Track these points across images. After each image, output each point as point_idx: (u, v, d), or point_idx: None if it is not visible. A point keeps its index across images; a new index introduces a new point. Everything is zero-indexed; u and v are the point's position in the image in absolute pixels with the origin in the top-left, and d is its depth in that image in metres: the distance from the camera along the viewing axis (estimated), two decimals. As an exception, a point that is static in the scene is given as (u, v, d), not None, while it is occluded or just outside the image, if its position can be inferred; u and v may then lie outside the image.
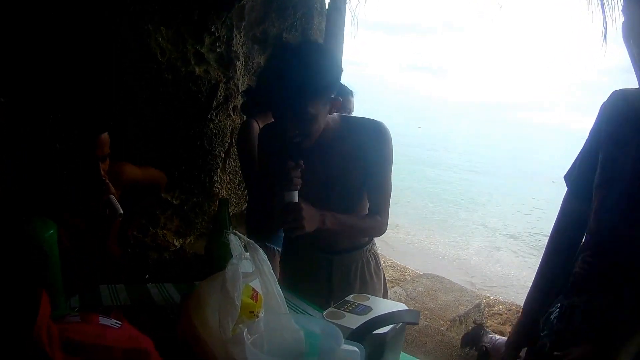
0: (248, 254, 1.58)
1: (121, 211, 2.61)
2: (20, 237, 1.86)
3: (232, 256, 1.66)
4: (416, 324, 1.92)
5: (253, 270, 1.59)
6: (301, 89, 1.98)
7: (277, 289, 1.58)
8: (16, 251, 1.87)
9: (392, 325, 1.61)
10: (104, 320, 1.50)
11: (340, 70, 2.16)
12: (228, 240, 1.86)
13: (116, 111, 3.83)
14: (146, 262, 3.54)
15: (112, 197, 2.62)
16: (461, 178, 21.82)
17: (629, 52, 1.70)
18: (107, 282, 2.39)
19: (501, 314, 6.89)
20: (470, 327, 5.60)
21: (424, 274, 7.26)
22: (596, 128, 1.83)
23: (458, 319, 5.76)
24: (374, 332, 1.55)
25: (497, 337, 4.50)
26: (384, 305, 1.80)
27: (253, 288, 1.70)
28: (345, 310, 1.74)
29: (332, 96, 2.13)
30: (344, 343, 1.30)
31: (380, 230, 2.44)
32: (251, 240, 1.61)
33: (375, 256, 2.69)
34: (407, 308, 1.75)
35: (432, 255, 10.22)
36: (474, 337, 3.29)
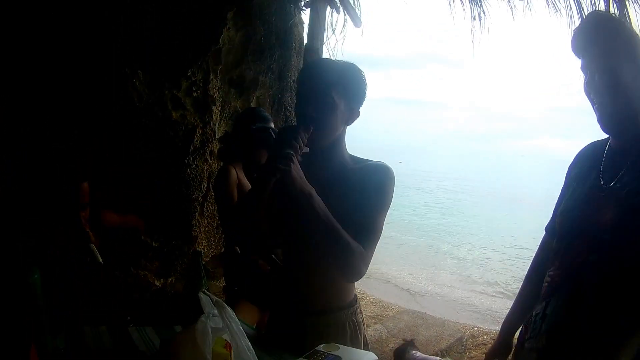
0: (216, 311, 1.62)
1: (101, 260, 2.61)
2: (8, 285, 1.88)
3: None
4: None
5: (222, 326, 1.63)
6: (327, 75, 2.06)
7: (246, 344, 1.63)
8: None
9: None
10: None
11: (365, 88, 2.19)
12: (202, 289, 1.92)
13: (97, 158, 3.82)
14: (129, 302, 3.54)
15: (93, 245, 2.61)
16: (444, 211, 21.90)
17: (591, 105, 1.77)
18: (90, 323, 2.38)
19: (486, 344, 6.77)
20: None
21: (405, 310, 7.26)
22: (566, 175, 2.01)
23: (440, 353, 5.67)
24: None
25: (421, 354, 4.54)
26: (353, 356, 1.83)
27: (226, 339, 1.73)
28: None
29: (353, 107, 2.15)
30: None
31: (357, 262, 2.08)
32: (220, 300, 1.65)
33: (356, 323, 2.33)
34: (376, 358, 1.80)
35: (413, 291, 10.20)
36: (399, 353, 3.32)
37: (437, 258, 13.54)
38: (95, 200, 2.81)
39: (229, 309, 1.63)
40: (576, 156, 2.01)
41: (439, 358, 4.72)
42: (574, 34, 1.80)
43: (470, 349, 6.40)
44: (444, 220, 19.93)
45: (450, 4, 4.90)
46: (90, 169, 3.60)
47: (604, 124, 1.72)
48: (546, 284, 1.89)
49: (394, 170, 2.18)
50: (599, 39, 1.72)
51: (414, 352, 4.61)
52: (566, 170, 2.04)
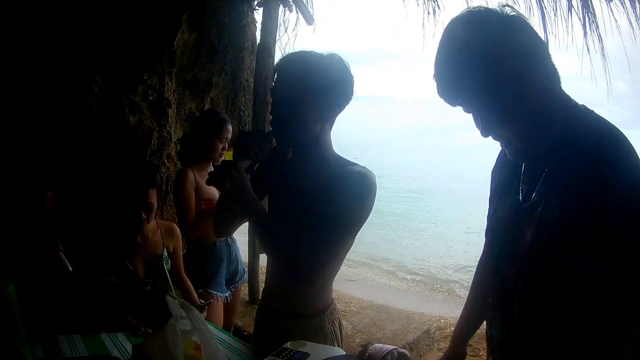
0: (184, 313, 1.65)
1: (70, 268, 2.62)
2: None
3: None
4: None
5: (191, 328, 1.66)
6: (297, 70, 1.98)
7: (215, 344, 1.67)
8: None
9: None
10: None
11: (346, 84, 2.05)
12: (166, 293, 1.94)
13: (57, 167, 3.82)
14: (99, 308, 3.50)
15: (61, 254, 2.62)
16: (405, 203, 21.95)
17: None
18: (64, 332, 2.40)
19: None
20: (422, 353, 5.78)
21: (369, 304, 7.21)
22: None
23: (408, 346, 5.59)
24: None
25: (378, 345, 4.60)
26: (321, 352, 1.86)
27: (195, 341, 1.75)
28: (283, 359, 1.80)
29: (329, 105, 2.06)
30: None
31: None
32: (186, 302, 1.69)
33: (331, 331, 2.23)
34: (344, 353, 1.85)
35: (377, 283, 10.22)
36: (362, 353, 3.35)
37: (400, 250, 13.51)
38: (62, 207, 2.78)
39: (196, 311, 1.66)
40: (497, 160, 1.84)
41: (394, 346, 4.73)
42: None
43: (439, 340, 6.33)
44: (405, 214, 19.95)
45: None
46: (54, 177, 3.59)
47: (521, 158, 1.60)
48: (489, 301, 1.80)
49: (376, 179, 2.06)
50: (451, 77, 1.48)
51: (371, 346, 4.65)
52: (490, 174, 1.89)
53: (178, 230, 3.37)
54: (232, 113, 5.15)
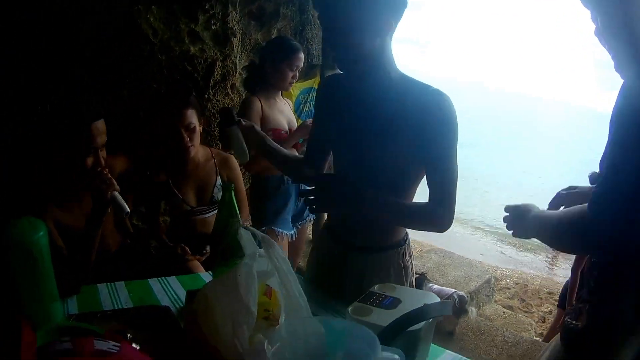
0: (262, 250, 1.37)
1: (128, 210, 2.40)
2: (5, 242, 1.69)
3: (241, 251, 1.46)
4: (449, 313, 1.69)
5: (269, 269, 1.38)
6: None
7: (298, 289, 1.36)
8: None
9: (424, 321, 1.43)
10: (99, 344, 1.29)
11: None
12: (235, 230, 1.67)
13: (107, 98, 3.69)
14: (148, 252, 3.35)
15: (117, 193, 2.39)
16: (470, 155, 21.68)
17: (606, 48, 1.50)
18: (106, 280, 2.20)
19: (509, 288, 6.85)
20: (481, 303, 5.69)
21: (431, 248, 7.01)
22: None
23: (469, 295, 5.30)
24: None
25: (437, 286, 4.71)
26: (413, 297, 1.62)
27: (266, 283, 1.45)
28: (372, 305, 1.56)
29: (383, 17, 1.86)
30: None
31: (440, 225, 1.94)
32: (266, 235, 1.38)
33: (402, 267, 2.16)
34: (438, 299, 1.60)
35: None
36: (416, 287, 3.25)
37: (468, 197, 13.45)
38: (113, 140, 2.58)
39: (277, 247, 1.36)
40: None
41: (452, 289, 4.73)
42: None
43: (495, 292, 6.31)
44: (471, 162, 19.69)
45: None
46: (103, 107, 3.47)
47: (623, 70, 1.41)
48: None
49: None
50: None
51: (430, 285, 4.62)
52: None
53: (235, 162, 3.21)
54: (300, 45, 4.92)
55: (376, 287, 1.70)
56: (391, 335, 1.35)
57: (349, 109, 2.01)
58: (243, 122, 2.22)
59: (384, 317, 1.45)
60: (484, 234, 10.76)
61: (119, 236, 2.92)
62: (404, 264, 2.14)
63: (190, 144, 2.97)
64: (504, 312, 5.73)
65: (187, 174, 3.09)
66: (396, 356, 1.16)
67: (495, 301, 6.10)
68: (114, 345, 1.30)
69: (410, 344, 1.40)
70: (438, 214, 1.90)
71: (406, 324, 1.39)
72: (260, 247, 1.39)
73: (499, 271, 7.39)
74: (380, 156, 1.95)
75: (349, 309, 1.56)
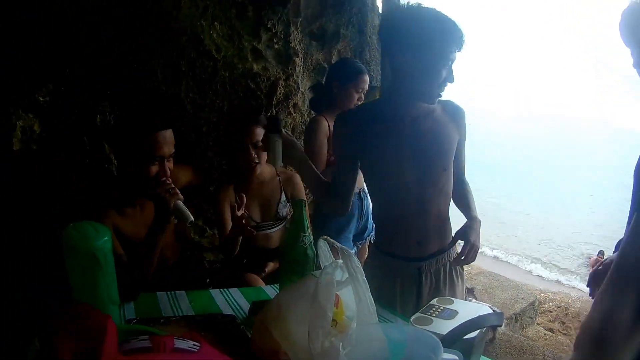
0: (341, 261, 1.44)
1: (192, 219, 2.39)
2: (66, 245, 1.76)
3: (310, 265, 1.74)
4: (500, 326, 1.88)
5: (346, 279, 1.46)
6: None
7: (369, 298, 1.46)
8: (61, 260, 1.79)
9: (478, 330, 1.57)
10: (179, 343, 1.34)
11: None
12: (305, 244, 1.75)
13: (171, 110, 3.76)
14: (202, 265, 3.40)
15: (180, 202, 2.38)
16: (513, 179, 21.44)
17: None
18: (162, 290, 2.29)
19: (551, 311, 6.95)
20: (525, 325, 5.94)
21: (482, 271, 7.29)
22: None
23: (514, 316, 5.81)
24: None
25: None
26: (469, 309, 1.77)
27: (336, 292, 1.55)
28: (432, 315, 1.71)
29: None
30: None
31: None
32: (345, 247, 1.46)
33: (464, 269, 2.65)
34: (491, 310, 1.74)
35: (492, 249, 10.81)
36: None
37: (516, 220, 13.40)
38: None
39: (355, 258, 1.45)
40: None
41: (487, 304, 4.85)
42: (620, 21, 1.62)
43: (538, 314, 6.54)
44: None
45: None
46: (172, 117, 3.53)
47: None
48: None
49: None
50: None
51: (470, 299, 4.76)
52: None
53: (299, 179, 3.24)
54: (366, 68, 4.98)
55: (435, 301, 1.83)
56: (451, 341, 1.46)
57: (406, 133, 2.33)
58: (286, 135, 2.32)
59: (443, 327, 1.59)
60: (529, 259, 10.74)
61: (178, 247, 2.93)
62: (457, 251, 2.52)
63: (257, 162, 3.03)
64: (545, 334, 5.97)
65: (253, 190, 3.12)
66: (456, 357, 1.31)
67: (538, 323, 6.32)
68: (194, 345, 1.36)
69: (466, 351, 1.49)
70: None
71: (464, 331, 1.52)
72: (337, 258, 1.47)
73: (542, 294, 7.51)
74: (445, 167, 2.39)
75: (412, 318, 1.70)
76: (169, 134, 2.47)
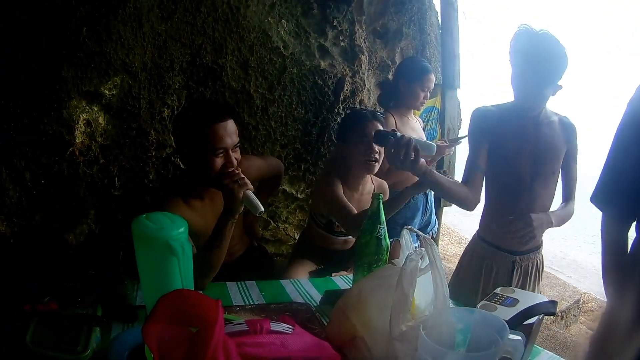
0: (423, 249, 1.57)
1: (262, 208, 2.31)
2: (138, 235, 1.80)
3: (384, 252, 1.99)
4: (554, 314, 2.16)
5: (425, 266, 1.59)
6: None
7: (445, 285, 1.57)
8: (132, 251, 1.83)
9: (536, 316, 1.76)
10: (274, 326, 1.47)
11: None
12: (380, 235, 1.88)
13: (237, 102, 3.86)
14: (267, 257, 3.41)
15: (250, 192, 2.33)
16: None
17: None
18: (232, 279, 2.38)
19: (593, 311, 7.01)
20: (569, 322, 6.16)
21: None
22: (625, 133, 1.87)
23: (560, 314, 6.01)
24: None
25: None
26: (528, 297, 1.88)
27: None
28: (496, 303, 1.83)
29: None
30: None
31: (571, 215, 2.81)
32: (427, 236, 1.60)
33: (543, 255, 2.96)
34: (547, 299, 1.85)
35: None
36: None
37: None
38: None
39: (435, 246, 1.57)
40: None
41: (540, 295, 4.85)
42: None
43: (582, 313, 6.70)
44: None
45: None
46: (234, 108, 3.69)
47: None
48: None
49: None
50: None
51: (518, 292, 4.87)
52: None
53: (387, 187, 3.28)
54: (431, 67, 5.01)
55: (499, 290, 1.96)
56: (513, 326, 1.58)
57: (528, 135, 2.69)
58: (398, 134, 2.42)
59: (505, 313, 1.73)
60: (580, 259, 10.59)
61: (247, 239, 2.97)
62: (541, 263, 2.96)
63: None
64: (587, 332, 6.11)
65: (355, 196, 3.10)
66: (519, 337, 1.49)
67: (581, 322, 6.50)
68: (287, 327, 1.50)
69: (525, 335, 1.63)
70: (572, 208, 2.81)
71: (523, 318, 1.72)
72: (420, 246, 1.59)
73: (586, 294, 7.48)
74: (554, 171, 2.75)
75: (478, 305, 1.83)
76: (229, 125, 2.42)
